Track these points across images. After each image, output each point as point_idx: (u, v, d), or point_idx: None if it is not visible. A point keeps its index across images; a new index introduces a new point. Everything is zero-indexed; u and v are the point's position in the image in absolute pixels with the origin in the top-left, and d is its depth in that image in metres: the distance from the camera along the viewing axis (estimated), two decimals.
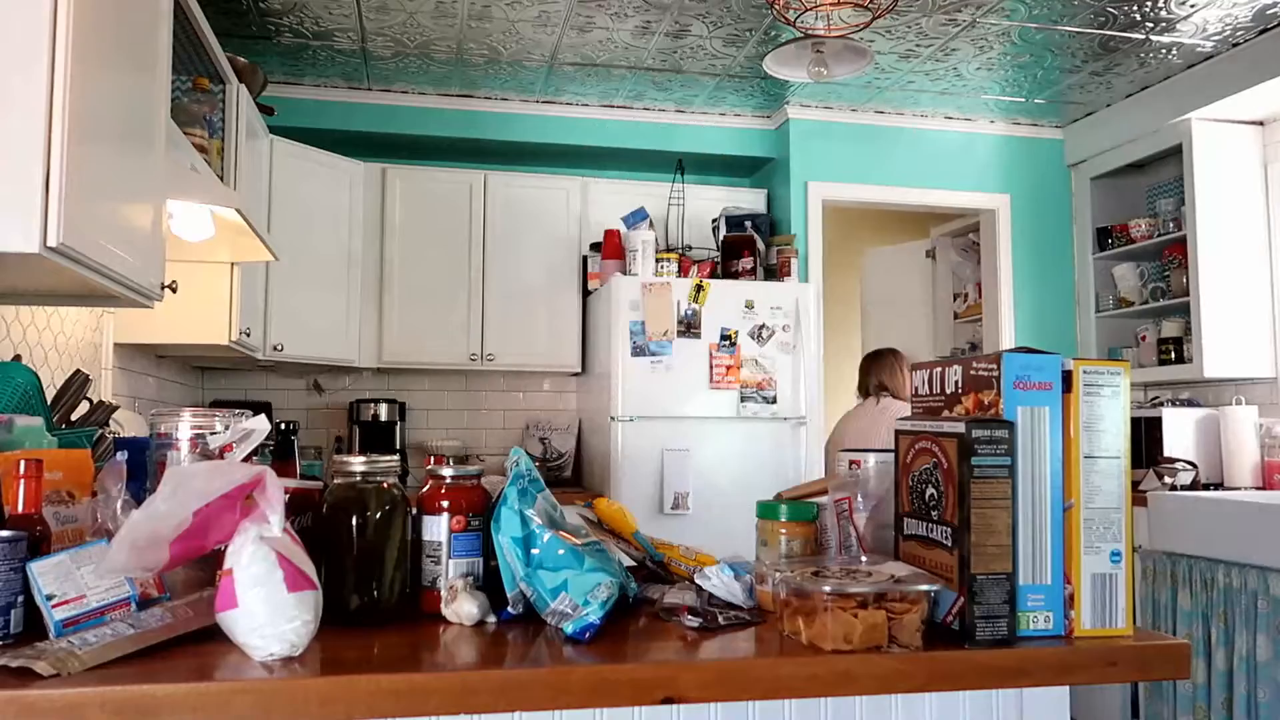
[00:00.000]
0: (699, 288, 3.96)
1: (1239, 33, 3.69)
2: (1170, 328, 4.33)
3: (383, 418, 4.40)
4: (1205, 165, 4.08)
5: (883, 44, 3.81)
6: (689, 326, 3.93)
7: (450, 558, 1.19)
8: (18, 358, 2.16)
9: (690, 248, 4.51)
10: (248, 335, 3.41)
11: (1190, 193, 4.09)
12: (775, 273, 4.28)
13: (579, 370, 4.58)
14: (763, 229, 4.46)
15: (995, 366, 1.08)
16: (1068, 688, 1.12)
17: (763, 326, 4.00)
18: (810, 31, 3.23)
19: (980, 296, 4.99)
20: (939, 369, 1.20)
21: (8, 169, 1.41)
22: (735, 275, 4.16)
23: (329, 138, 4.44)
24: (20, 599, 1.00)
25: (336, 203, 4.22)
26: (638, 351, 3.87)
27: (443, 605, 1.16)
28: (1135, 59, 3.97)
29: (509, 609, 1.15)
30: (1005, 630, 1.04)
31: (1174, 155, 4.28)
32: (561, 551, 1.13)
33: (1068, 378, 1.08)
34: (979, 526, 1.04)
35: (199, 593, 1.11)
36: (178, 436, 1.28)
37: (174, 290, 2.26)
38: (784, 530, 1.24)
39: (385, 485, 1.19)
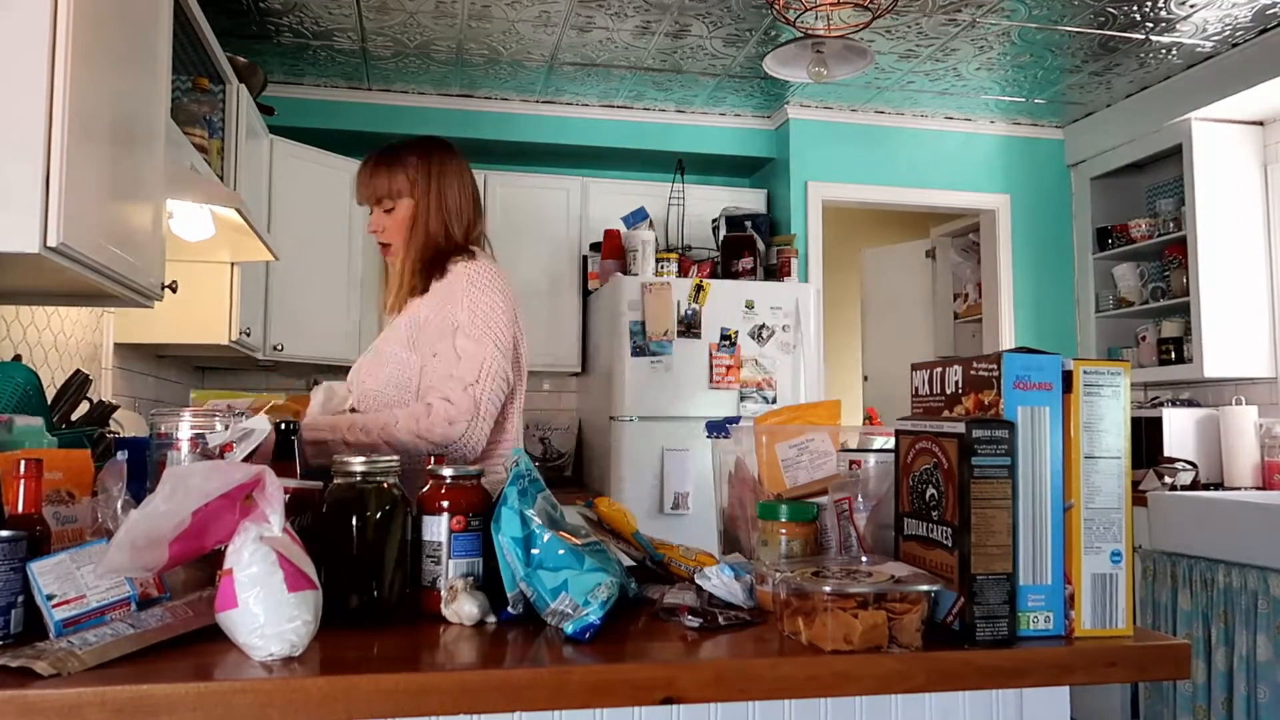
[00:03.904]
0: (699, 288, 3.95)
1: (1239, 33, 3.69)
2: (1170, 328, 4.33)
3: None
4: (1205, 165, 4.08)
5: (883, 44, 3.81)
6: (689, 326, 3.93)
7: (450, 558, 1.19)
8: (18, 358, 2.16)
9: (690, 248, 4.51)
10: (248, 335, 3.41)
11: (1190, 193, 4.09)
12: (775, 273, 4.28)
13: (579, 370, 4.58)
14: (763, 229, 4.46)
15: (995, 366, 1.08)
16: (1068, 688, 1.12)
17: (763, 326, 4.00)
18: (810, 31, 3.23)
19: (980, 296, 4.99)
20: (939, 369, 1.20)
21: (8, 169, 1.41)
22: (735, 275, 4.16)
23: (329, 138, 4.44)
24: (20, 599, 1.00)
25: (336, 203, 4.22)
26: (638, 351, 3.87)
27: (443, 605, 1.16)
28: (1135, 59, 3.97)
29: (509, 609, 1.15)
30: (1005, 630, 1.04)
31: (1174, 155, 4.28)
32: (561, 551, 1.13)
33: (1068, 378, 1.08)
34: (979, 527, 1.04)
35: (199, 593, 1.11)
36: (178, 436, 1.28)
37: (174, 290, 2.26)
38: (784, 530, 1.24)
39: (385, 485, 1.18)
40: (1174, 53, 3.90)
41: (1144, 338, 4.49)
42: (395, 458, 1.22)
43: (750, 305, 4.00)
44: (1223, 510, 3.08)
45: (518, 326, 1.91)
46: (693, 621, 1.12)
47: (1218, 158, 4.09)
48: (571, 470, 4.65)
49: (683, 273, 4.09)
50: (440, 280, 1.88)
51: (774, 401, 3.97)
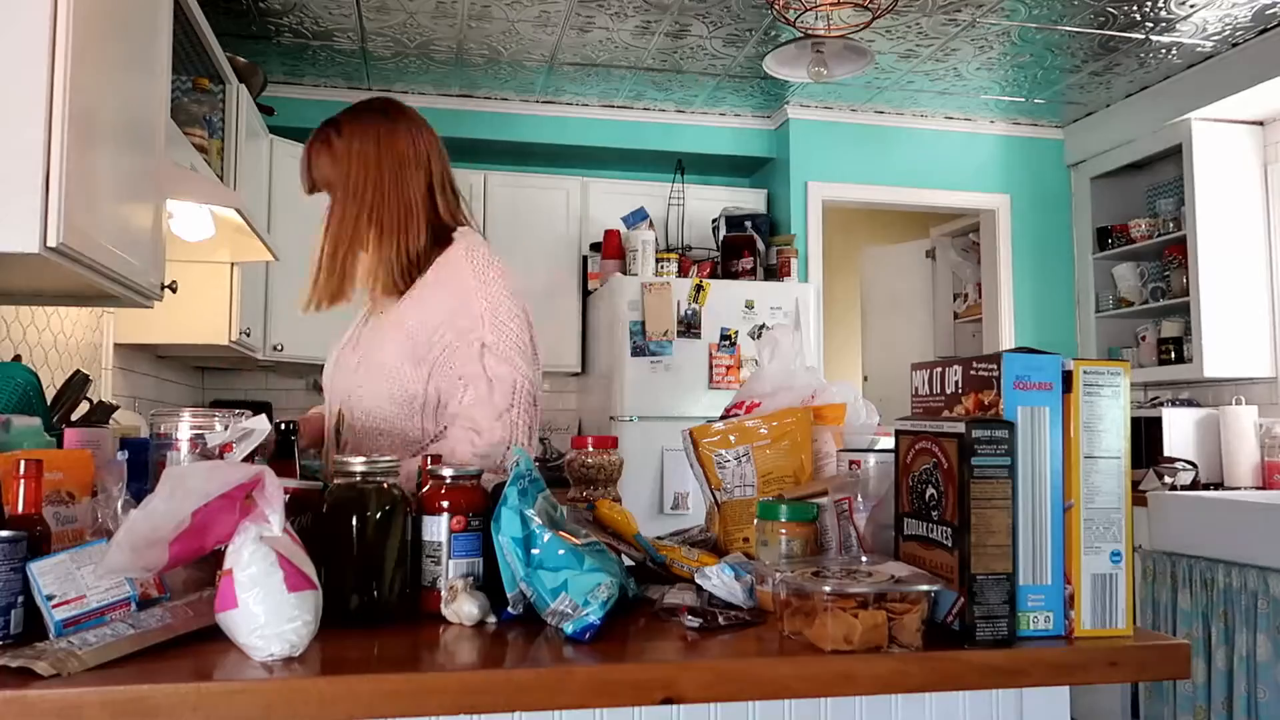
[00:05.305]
0: (699, 288, 3.96)
1: (1239, 33, 3.69)
2: (1170, 328, 4.33)
3: None
4: (1205, 165, 4.08)
5: (883, 44, 3.81)
6: (689, 326, 3.93)
7: (450, 558, 1.19)
8: (18, 358, 2.16)
9: (690, 248, 4.51)
10: (248, 335, 3.41)
11: (1190, 193, 4.09)
12: (775, 273, 4.28)
13: (579, 370, 4.58)
14: (763, 229, 4.46)
15: (995, 366, 1.08)
16: (1068, 688, 1.12)
17: (763, 326, 4.00)
18: (810, 31, 3.23)
19: (980, 296, 4.99)
20: (939, 369, 1.19)
21: (8, 169, 1.41)
22: (735, 275, 4.16)
23: None
24: (20, 599, 1.00)
25: None
26: (638, 351, 3.87)
27: (443, 605, 1.16)
28: (1135, 59, 3.97)
29: (509, 609, 1.15)
30: (1005, 630, 1.04)
31: (1174, 155, 4.28)
32: (561, 551, 1.13)
33: (1068, 378, 1.08)
34: (979, 527, 1.04)
35: (199, 593, 1.11)
36: (178, 436, 1.28)
37: (174, 290, 2.27)
38: (784, 530, 1.24)
39: (385, 485, 1.18)
40: (1174, 53, 3.90)
41: (1144, 338, 4.49)
42: (396, 458, 1.22)
43: (750, 305, 4.00)
44: (1223, 510, 3.08)
45: (532, 324, 1.78)
46: (693, 621, 1.12)
47: (1218, 158, 4.09)
48: None
49: (683, 273, 4.09)
50: (422, 276, 1.69)
51: None
